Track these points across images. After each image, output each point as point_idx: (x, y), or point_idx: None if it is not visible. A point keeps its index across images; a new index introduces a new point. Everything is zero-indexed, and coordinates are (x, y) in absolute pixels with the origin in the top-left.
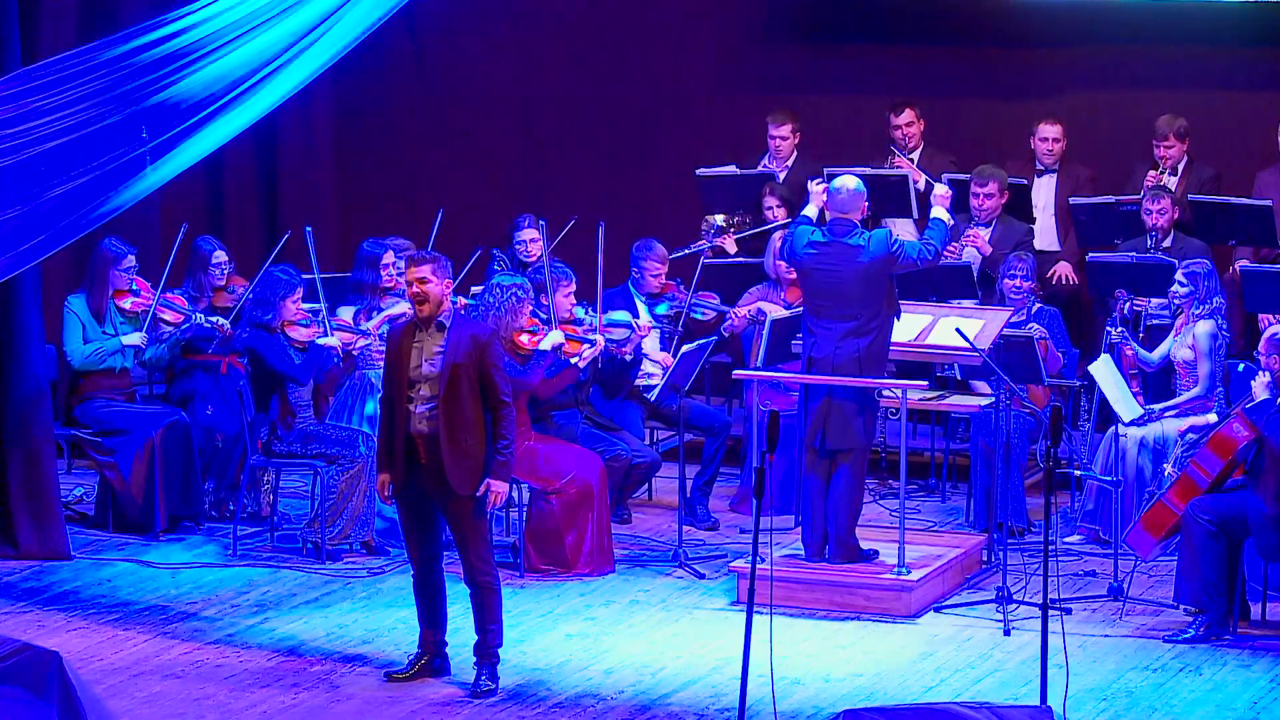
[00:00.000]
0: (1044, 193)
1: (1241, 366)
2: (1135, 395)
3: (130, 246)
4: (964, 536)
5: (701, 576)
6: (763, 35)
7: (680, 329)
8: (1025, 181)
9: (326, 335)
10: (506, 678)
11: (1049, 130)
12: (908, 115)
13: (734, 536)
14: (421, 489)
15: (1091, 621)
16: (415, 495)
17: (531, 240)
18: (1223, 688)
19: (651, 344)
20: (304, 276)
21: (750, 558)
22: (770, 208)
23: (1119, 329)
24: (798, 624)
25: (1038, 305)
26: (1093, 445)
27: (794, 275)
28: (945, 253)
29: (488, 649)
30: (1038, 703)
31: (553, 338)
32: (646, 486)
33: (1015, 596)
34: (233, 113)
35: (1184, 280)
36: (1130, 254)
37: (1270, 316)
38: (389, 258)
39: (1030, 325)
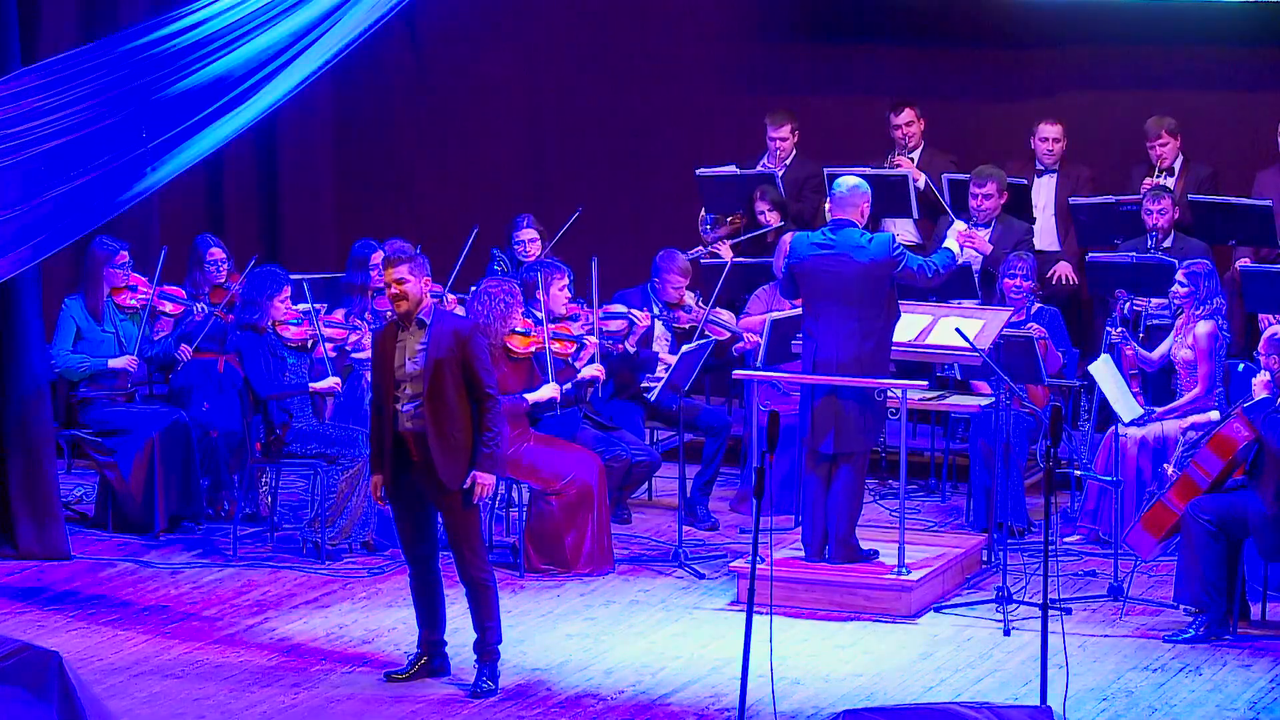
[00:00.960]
0: (1044, 193)
1: (1241, 366)
2: (1135, 395)
3: (122, 243)
4: (964, 536)
5: (701, 576)
6: (763, 35)
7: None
8: (1025, 181)
9: (319, 335)
10: (506, 678)
11: (1049, 130)
12: (907, 115)
13: (734, 536)
14: (414, 487)
15: (1091, 621)
16: (408, 494)
17: (530, 240)
18: (1223, 688)
19: (662, 347)
20: (292, 276)
21: (750, 558)
22: (762, 211)
23: (1119, 329)
24: (798, 624)
25: (1038, 305)
26: (1093, 445)
27: None
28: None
29: (487, 647)
30: (1038, 703)
31: (546, 390)
32: (646, 486)
33: (1015, 596)
34: (233, 113)
35: (1184, 280)
36: (1130, 254)
37: (1270, 316)
38: (378, 258)
39: (1030, 325)
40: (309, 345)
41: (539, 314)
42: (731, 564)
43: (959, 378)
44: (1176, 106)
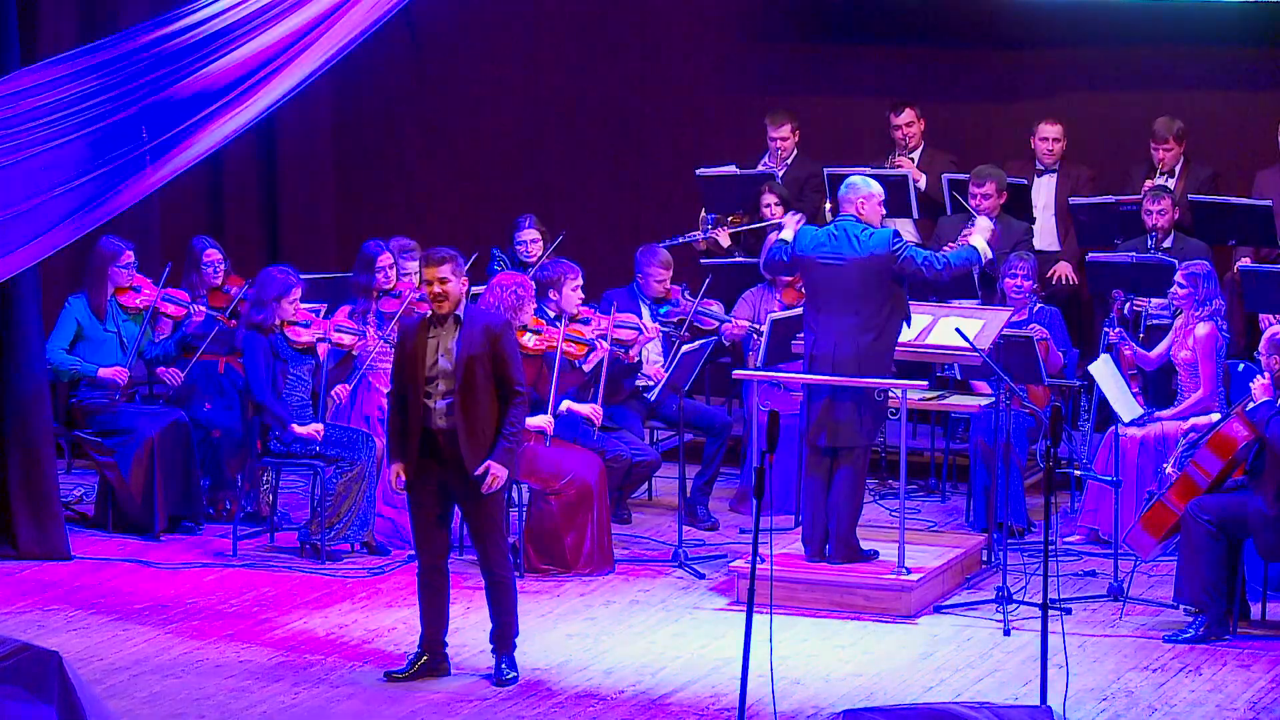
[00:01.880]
0: (1044, 193)
1: (1241, 366)
2: (1135, 395)
3: (128, 242)
4: (964, 536)
5: (701, 576)
6: (763, 35)
7: (683, 334)
8: (1025, 181)
9: (327, 340)
10: None
11: (1049, 130)
12: (908, 115)
13: (734, 536)
14: (439, 484)
15: (1091, 621)
16: (432, 491)
17: (532, 240)
18: (1222, 688)
19: (653, 350)
20: (303, 276)
21: (750, 558)
22: (768, 205)
23: (1116, 329)
24: (798, 624)
25: (1038, 305)
26: (1093, 445)
27: (788, 279)
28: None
29: (505, 639)
30: (1038, 703)
31: (539, 420)
32: (646, 486)
33: (1015, 596)
34: (233, 113)
35: (1184, 281)
36: (1130, 254)
37: (1270, 316)
38: (385, 259)
39: (1032, 326)
40: (315, 348)
41: (550, 312)
42: (731, 564)
43: (959, 378)
44: (1176, 106)
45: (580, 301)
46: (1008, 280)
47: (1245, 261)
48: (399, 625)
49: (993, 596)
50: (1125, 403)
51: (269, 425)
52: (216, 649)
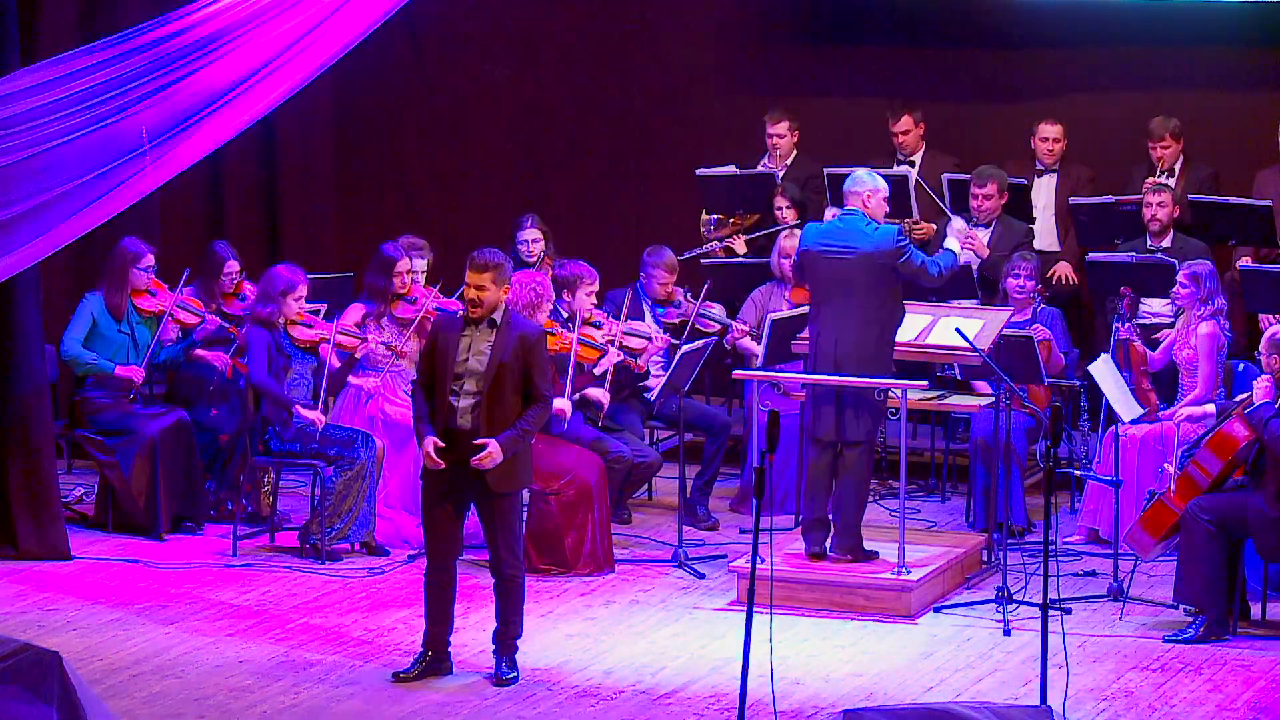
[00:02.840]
0: (1044, 193)
1: (1241, 366)
2: (1149, 393)
3: (149, 246)
4: (964, 536)
5: (701, 576)
6: (763, 35)
7: (683, 340)
8: (1025, 181)
9: (329, 341)
10: None
11: (1049, 130)
12: (905, 123)
13: (734, 536)
14: (456, 483)
15: (1091, 621)
16: (449, 489)
17: (534, 240)
18: (1223, 688)
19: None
20: (310, 275)
21: (750, 558)
22: (780, 208)
23: (1126, 325)
24: (798, 624)
25: (1041, 305)
26: (1093, 445)
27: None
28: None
29: (507, 639)
30: (1038, 703)
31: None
32: (646, 486)
33: (1015, 596)
34: (233, 113)
35: (1184, 281)
36: (1130, 254)
37: (1270, 316)
38: (404, 265)
39: (1035, 326)
40: (316, 348)
41: (563, 313)
42: (731, 564)
43: (959, 378)
44: (1176, 106)
45: (592, 307)
46: (1010, 280)
47: (1245, 261)
48: (399, 625)
49: (993, 596)
50: (1125, 403)
51: (269, 421)
52: (216, 649)
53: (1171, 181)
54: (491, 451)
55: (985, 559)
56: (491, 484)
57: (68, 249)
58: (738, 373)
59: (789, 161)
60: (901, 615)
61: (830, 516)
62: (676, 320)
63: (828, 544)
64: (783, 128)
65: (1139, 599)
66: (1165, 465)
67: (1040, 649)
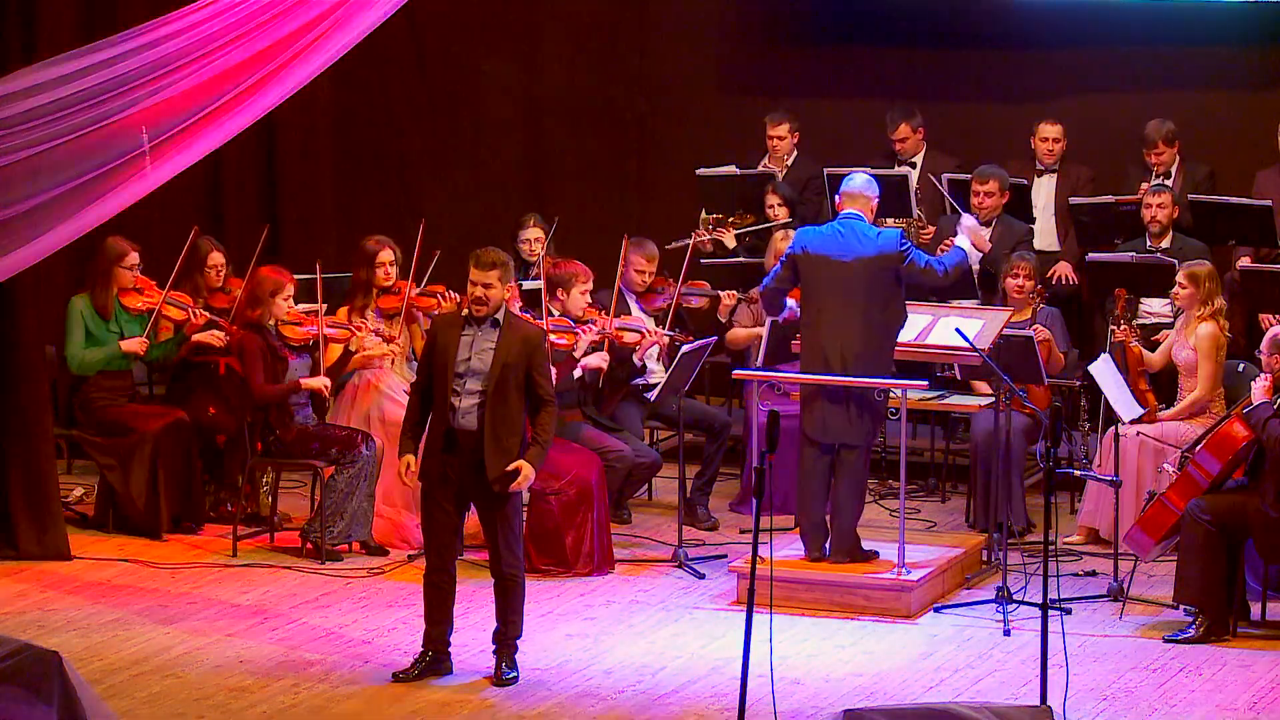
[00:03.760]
0: (1044, 193)
1: (1241, 366)
2: (1146, 393)
3: (133, 244)
4: (964, 536)
5: (701, 576)
6: (763, 36)
7: (669, 323)
8: (1025, 181)
9: (320, 337)
10: None
11: (1049, 130)
12: (902, 130)
13: (734, 536)
14: (457, 483)
15: (1091, 621)
16: (449, 489)
17: (535, 239)
18: (1223, 688)
19: (652, 356)
20: (303, 276)
21: (750, 558)
22: (772, 206)
23: (1123, 326)
24: (798, 624)
25: (1041, 305)
26: (1093, 445)
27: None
28: (943, 248)
29: (508, 639)
30: (1038, 703)
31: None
32: (646, 486)
33: (1015, 596)
34: (233, 113)
35: (1184, 281)
36: (1130, 254)
37: (1270, 316)
38: (386, 256)
39: (1036, 327)
40: (311, 345)
41: (554, 310)
42: (731, 564)
43: (959, 378)
44: (1176, 106)
45: (586, 305)
46: (1009, 280)
47: (1245, 261)
48: (399, 625)
49: (993, 596)
50: (1125, 403)
51: (270, 422)
52: (216, 649)
53: (1169, 183)
54: (526, 473)
55: (985, 559)
56: (494, 482)
57: (68, 249)
58: (738, 373)
59: (789, 162)
60: (901, 615)
61: (831, 522)
62: (664, 305)
63: (826, 547)
64: (784, 129)
65: (1139, 599)
66: (1165, 466)
67: (1040, 649)
